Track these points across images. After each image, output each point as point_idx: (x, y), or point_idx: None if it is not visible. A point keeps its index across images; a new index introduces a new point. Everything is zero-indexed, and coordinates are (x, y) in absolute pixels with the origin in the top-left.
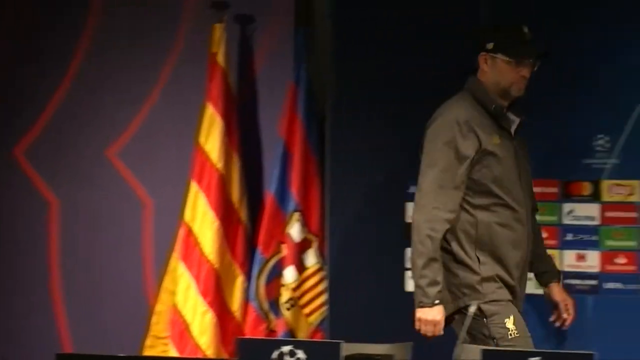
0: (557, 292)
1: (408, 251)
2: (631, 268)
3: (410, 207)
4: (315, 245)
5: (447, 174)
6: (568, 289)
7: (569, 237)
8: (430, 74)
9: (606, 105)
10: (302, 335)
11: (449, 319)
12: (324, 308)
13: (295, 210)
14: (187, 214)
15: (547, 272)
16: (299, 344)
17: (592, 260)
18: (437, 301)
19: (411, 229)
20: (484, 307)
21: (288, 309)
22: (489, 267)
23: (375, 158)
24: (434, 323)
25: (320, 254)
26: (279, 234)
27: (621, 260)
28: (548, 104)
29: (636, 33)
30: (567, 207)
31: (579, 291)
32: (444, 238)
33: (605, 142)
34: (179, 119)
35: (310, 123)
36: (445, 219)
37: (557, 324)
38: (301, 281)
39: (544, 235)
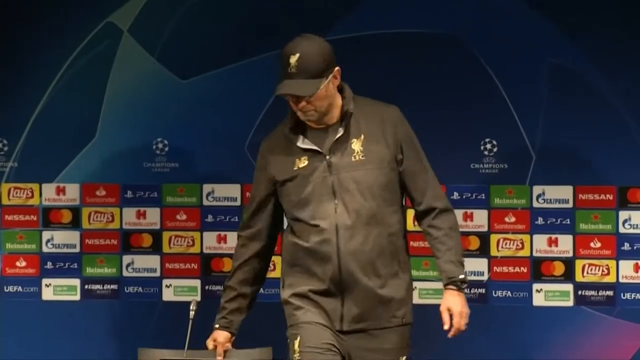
0: (443, 299)
1: None
2: (31, 271)
3: None
4: None
5: (251, 201)
6: None
7: None
8: None
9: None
10: None
11: None
12: None
13: None
14: None
15: (442, 278)
16: None
17: None
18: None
19: None
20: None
21: None
22: (287, 290)
23: None
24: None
25: None
26: None
27: (21, 263)
28: None
29: None
30: None
31: None
32: None
33: (4, 145)
34: None
35: None
36: (241, 244)
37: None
38: None
39: None
